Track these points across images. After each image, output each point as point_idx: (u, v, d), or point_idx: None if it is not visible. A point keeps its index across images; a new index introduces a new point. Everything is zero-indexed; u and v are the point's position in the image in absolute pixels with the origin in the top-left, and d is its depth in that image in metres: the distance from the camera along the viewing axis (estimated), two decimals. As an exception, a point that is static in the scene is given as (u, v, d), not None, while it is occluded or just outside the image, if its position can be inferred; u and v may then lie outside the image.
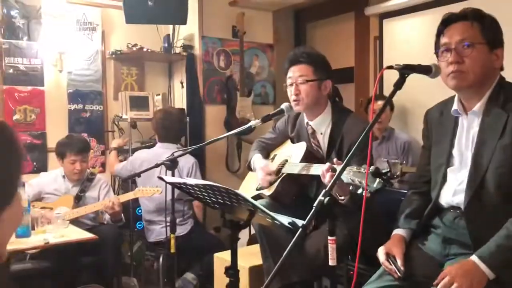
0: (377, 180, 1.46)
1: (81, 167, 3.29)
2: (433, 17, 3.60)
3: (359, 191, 1.51)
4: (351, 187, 1.58)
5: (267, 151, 2.54)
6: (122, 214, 3.36)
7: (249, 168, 2.55)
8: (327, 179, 1.78)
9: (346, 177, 1.60)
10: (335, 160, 1.85)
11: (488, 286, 1.47)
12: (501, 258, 1.48)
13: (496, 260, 1.48)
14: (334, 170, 1.77)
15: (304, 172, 2.09)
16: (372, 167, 1.49)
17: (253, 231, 3.20)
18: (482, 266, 1.48)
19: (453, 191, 1.69)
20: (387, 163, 1.53)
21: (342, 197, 1.89)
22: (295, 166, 2.18)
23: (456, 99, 1.72)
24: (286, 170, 2.24)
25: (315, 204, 1.31)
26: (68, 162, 3.28)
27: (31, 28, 3.78)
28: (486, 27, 1.60)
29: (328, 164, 1.86)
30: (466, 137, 1.68)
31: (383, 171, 1.46)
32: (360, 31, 4.71)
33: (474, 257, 1.51)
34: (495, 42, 1.61)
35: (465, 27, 1.61)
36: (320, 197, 1.31)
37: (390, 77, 1.51)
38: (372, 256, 1.82)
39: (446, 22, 1.66)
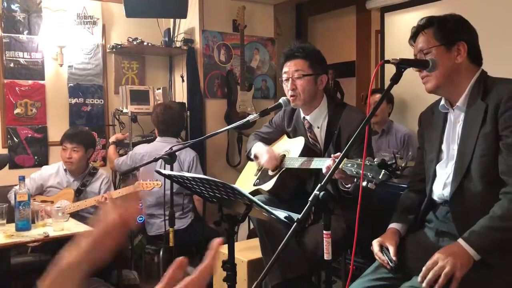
0: (383, 171, 1.47)
1: (71, 156, 3.28)
2: (435, 10, 3.58)
3: (364, 183, 1.52)
4: (355, 179, 1.60)
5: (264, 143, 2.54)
6: None
7: (249, 158, 2.54)
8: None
9: (350, 169, 1.61)
10: (333, 155, 1.85)
11: (475, 268, 1.49)
12: (485, 239, 1.51)
13: (481, 241, 1.50)
14: None
15: (305, 167, 2.09)
16: (377, 159, 1.50)
17: (252, 225, 3.21)
18: (467, 247, 1.50)
19: (443, 184, 1.73)
20: (393, 154, 1.53)
21: (348, 185, 1.93)
22: (295, 161, 2.18)
23: (442, 96, 1.78)
24: (285, 164, 2.24)
25: (310, 199, 1.31)
26: (62, 150, 3.32)
27: (32, 22, 3.78)
28: (437, 30, 1.68)
29: (331, 158, 1.86)
30: (452, 131, 1.73)
31: (389, 162, 1.47)
32: (362, 25, 4.70)
33: (459, 239, 1.54)
34: (451, 39, 1.66)
35: (421, 37, 1.72)
36: (316, 192, 1.32)
37: (392, 71, 1.52)
38: (371, 250, 1.83)
39: (413, 38, 1.76)
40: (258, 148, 2.41)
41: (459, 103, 1.69)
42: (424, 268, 1.51)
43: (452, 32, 1.68)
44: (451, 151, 1.72)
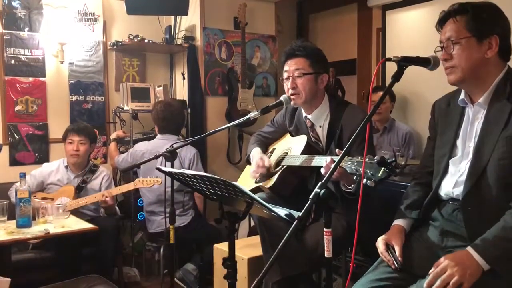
0: (382, 169, 1.46)
1: (78, 148, 3.30)
2: (436, 8, 3.57)
3: (364, 181, 1.51)
4: (355, 177, 1.60)
5: (266, 145, 2.54)
6: (117, 208, 3.38)
7: (248, 162, 2.55)
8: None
9: (350, 167, 1.61)
10: (337, 150, 1.85)
11: (484, 277, 1.46)
12: (496, 250, 1.47)
13: (491, 251, 1.47)
14: None
15: (305, 164, 2.09)
16: (377, 157, 1.49)
17: (253, 223, 3.21)
18: (477, 256, 1.47)
19: (454, 182, 1.68)
20: (392, 151, 1.52)
21: (351, 186, 1.93)
22: (296, 158, 2.18)
23: (463, 89, 1.71)
24: (286, 162, 2.24)
25: (311, 197, 1.31)
26: (67, 143, 3.33)
27: (32, 19, 3.77)
28: (471, 20, 1.60)
29: (330, 157, 1.86)
30: (470, 128, 1.67)
31: (388, 160, 1.46)
32: (363, 22, 4.69)
33: (469, 248, 1.50)
34: (483, 32, 1.59)
35: (450, 24, 1.64)
36: (316, 189, 1.31)
37: (393, 69, 1.51)
38: (371, 248, 1.82)
39: (441, 22, 1.68)
40: (253, 155, 2.42)
41: (481, 100, 1.63)
42: (431, 274, 1.48)
43: (486, 24, 1.58)
44: (466, 149, 1.67)
